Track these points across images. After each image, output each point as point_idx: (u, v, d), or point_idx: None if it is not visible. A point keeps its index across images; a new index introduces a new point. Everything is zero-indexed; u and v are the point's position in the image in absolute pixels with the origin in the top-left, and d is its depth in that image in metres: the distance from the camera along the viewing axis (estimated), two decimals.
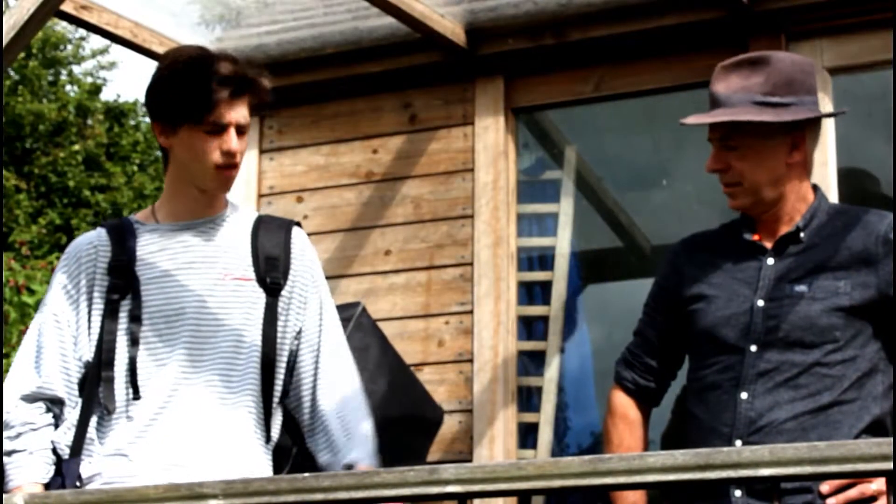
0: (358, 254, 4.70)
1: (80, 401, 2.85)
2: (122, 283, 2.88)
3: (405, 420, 4.30)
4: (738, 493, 2.82)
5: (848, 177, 4.20)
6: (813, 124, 2.99)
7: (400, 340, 4.57)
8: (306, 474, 2.05)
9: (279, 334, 2.93)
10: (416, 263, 4.62)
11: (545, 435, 4.55)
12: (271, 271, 2.94)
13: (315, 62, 4.79)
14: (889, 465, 1.79)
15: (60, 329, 2.89)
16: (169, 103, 2.87)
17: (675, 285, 3.07)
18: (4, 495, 2.21)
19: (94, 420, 2.84)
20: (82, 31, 18.60)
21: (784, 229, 2.97)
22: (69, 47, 19.66)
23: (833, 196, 4.09)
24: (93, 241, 2.95)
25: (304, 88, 4.85)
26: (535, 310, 4.70)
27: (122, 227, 2.96)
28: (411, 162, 4.70)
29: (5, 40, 3.62)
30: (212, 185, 2.92)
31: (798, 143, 2.95)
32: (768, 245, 2.98)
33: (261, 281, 2.93)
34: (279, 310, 2.94)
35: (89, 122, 18.87)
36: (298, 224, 3.07)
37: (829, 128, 4.12)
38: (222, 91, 2.83)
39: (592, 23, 4.44)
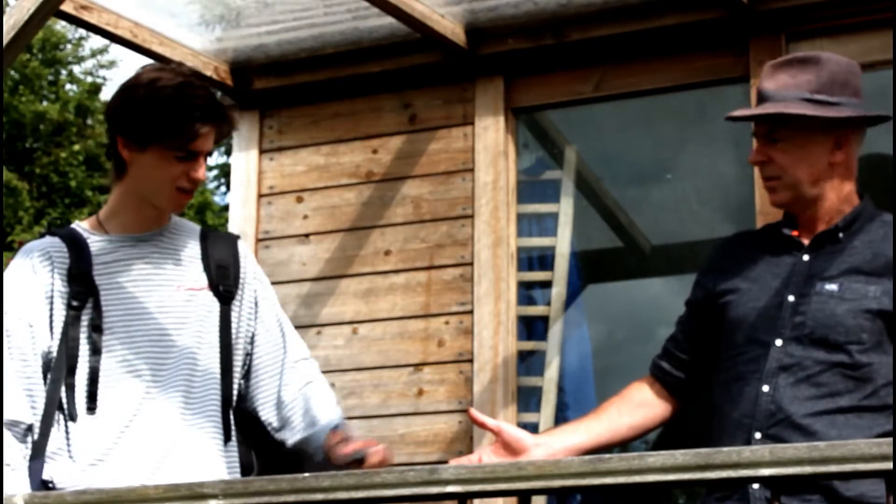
0: (358, 254, 4.70)
1: (42, 400, 2.86)
2: (83, 290, 2.91)
3: None
4: (755, 484, 2.81)
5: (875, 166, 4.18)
6: (857, 127, 3.00)
7: (400, 340, 4.58)
8: (306, 474, 2.05)
9: (233, 341, 3.01)
10: (416, 263, 4.62)
11: None
12: (223, 279, 3.02)
13: (315, 62, 4.79)
14: (889, 465, 1.79)
15: (22, 347, 2.87)
16: (146, 126, 2.88)
17: (710, 280, 3.09)
18: (4, 495, 2.20)
19: (58, 425, 2.85)
20: (82, 31, 18.61)
21: (822, 228, 2.98)
22: (69, 47, 19.67)
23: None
24: (45, 249, 2.94)
25: (304, 88, 4.85)
26: (535, 310, 4.70)
27: (74, 235, 2.97)
28: (411, 162, 4.70)
29: (5, 40, 3.62)
30: (168, 206, 2.98)
31: (841, 142, 2.96)
32: (806, 242, 2.99)
33: (214, 289, 3.00)
34: (232, 317, 3.02)
35: (90, 121, 18.87)
36: (239, 237, 3.17)
37: None
38: (204, 123, 2.88)
39: (592, 23, 4.44)
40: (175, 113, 2.87)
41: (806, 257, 2.96)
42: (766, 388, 2.87)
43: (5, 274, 2.95)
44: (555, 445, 3.00)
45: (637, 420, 3.11)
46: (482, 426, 3.00)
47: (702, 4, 4.29)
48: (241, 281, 3.06)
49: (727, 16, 4.27)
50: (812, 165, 2.95)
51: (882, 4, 4.01)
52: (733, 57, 4.33)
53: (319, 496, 1.99)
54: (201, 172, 2.92)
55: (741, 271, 3.03)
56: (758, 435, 2.84)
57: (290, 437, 3.04)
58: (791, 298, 2.92)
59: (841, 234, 2.96)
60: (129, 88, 2.93)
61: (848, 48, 4.18)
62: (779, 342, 2.89)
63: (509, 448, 2.95)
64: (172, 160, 2.89)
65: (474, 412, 2.99)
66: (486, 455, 2.95)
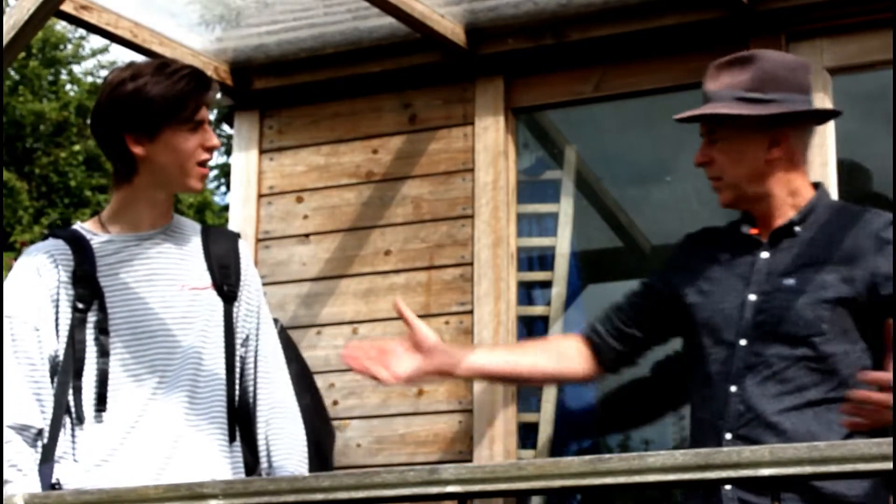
0: (358, 254, 4.70)
1: (50, 404, 2.85)
2: (88, 293, 2.90)
3: (327, 434, 4.35)
4: (727, 485, 2.82)
5: (846, 173, 4.20)
6: (801, 121, 3.00)
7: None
8: (306, 474, 2.05)
9: (236, 340, 3.02)
10: (416, 263, 4.62)
11: (545, 435, 4.55)
12: (226, 279, 3.03)
13: (315, 62, 4.79)
14: (889, 465, 1.79)
15: (29, 351, 2.87)
16: (151, 111, 2.90)
17: (674, 276, 3.10)
18: (4, 495, 2.20)
19: (65, 428, 2.85)
20: (82, 31, 18.62)
21: (778, 223, 2.98)
22: (69, 47, 19.67)
23: (833, 195, 4.08)
24: (49, 251, 2.95)
25: (304, 88, 4.85)
26: (535, 310, 4.70)
27: (77, 236, 2.97)
28: (411, 162, 4.70)
29: (5, 40, 3.62)
30: (194, 183, 2.99)
31: (779, 139, 2.96)
32: (764, 239, 2.99)
33: (218, 288, 3.01)
34: (234, 316, 3.02)
35: (90, 121, 18.89)
36: (239, 234, 3.18)
37: (829, 129, 4.12)
38: (199, 89, 2.95)
39: (592, 23, 4.44)
40: (171, 88, 2.92)
41: (765, 255, 2.97)
42: (734, 389, 2.88)
43: (10, 277, 2.96)
44: (458, 356, 3.07)
45: (554, 367, 3.13)
46: (403, 318, 3.03)
47: (702, 4, 4.29)
48: (241, 281, 3.06)
49: (727, 16, 4.27)
50: (749, 164, 2.96)
51: (882, 4, 4.01)
52: None
53: (319, 496, 1.99)
54: (214, 138, 2.97)
55: (704, 272, 3.04)
56: (728, 436, 2.85)
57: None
58: (752, 297, 2.93)
59: (797, 229, 2.96)
60: (114, 89, 2.97)
61: (848, 48, 4.19)
62: (743, 342, 2.90)
63: (416, 345, 3.02)
64: (186, 134, 2.93)
65: (401, 305, 3.03)
66: (398, 348, 3.00)
